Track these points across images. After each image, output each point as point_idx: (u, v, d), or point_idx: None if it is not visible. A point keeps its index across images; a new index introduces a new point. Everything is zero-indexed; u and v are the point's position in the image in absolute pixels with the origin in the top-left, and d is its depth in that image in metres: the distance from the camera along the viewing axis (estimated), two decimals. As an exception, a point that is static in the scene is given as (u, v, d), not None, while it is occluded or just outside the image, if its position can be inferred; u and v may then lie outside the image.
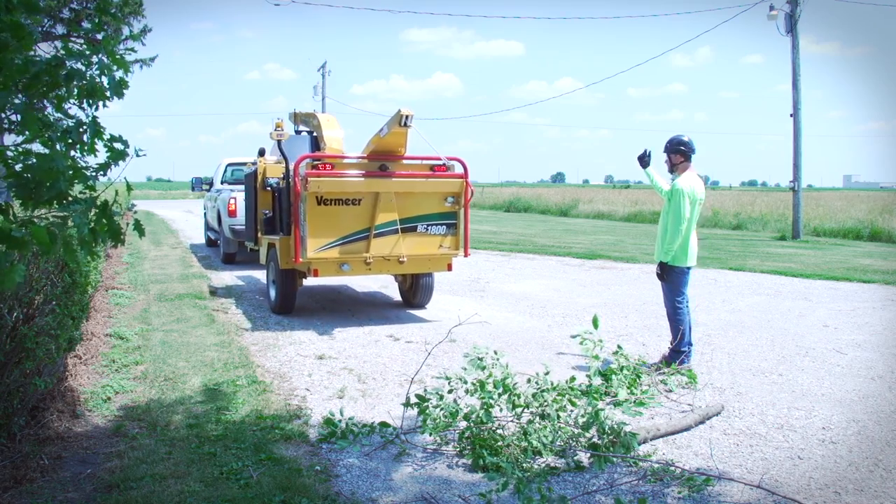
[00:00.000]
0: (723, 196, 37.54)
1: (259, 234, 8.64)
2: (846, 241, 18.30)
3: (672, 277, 5.59)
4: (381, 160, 7.21)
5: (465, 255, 7.60)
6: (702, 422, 4.35)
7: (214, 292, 9.31)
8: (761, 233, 20.78)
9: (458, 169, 7.54)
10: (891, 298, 9.01)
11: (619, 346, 4.81)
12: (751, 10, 20.59)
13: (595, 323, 4.36)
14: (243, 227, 10.80)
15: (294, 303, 7.85)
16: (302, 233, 6.90)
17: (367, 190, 7.05)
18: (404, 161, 7.37)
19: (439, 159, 7.46)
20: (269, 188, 8.41)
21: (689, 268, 5.60)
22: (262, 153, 8.95)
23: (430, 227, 7.36)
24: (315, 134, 8.80)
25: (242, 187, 12.04)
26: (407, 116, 6.57)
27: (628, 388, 4.48)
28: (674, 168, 5.68)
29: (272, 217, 8.16)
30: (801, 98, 18.12)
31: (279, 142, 7.75)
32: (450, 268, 7.64)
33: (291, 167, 7.23)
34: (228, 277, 10.93)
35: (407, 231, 7.24)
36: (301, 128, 9.37)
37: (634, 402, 4.35)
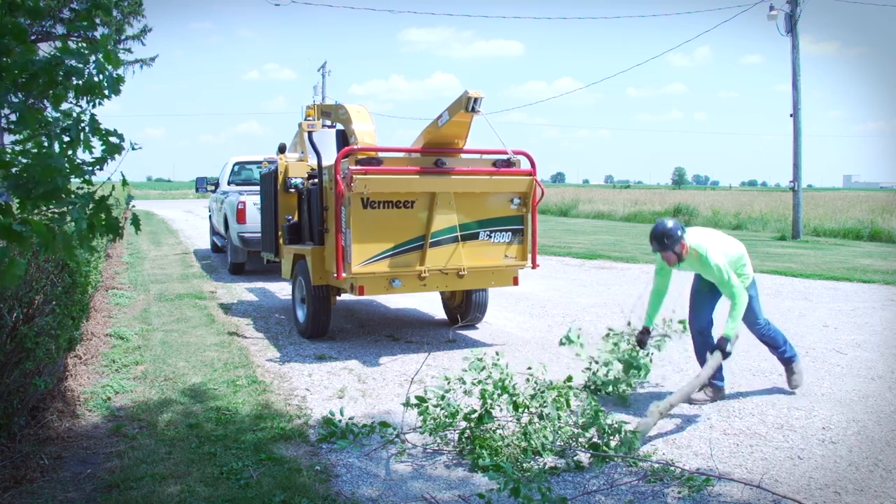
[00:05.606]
0: (723, 196, 37.53)
1: (280, 244, 7.69)
2: (846, 241, 18.30)
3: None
4: (436, 154, 6.13)
5: (534, 267, 6.50)
6: (707, 383, 4.53)
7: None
8: (761, 233, 20.78)
9: (525, 165, 6.43)
10: (891, 298, 9.00)
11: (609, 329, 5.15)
12: (751, 10, 20.60)
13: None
14: (255, 234, 9.94)
15: (329, 324, 6.70)
16: (344, 242, 5.81)
17: (421, 190, 5.96)
18: (462, 155, 6.32)
19: (504, 153, 6.30)
20: (292, 190, 7.57)
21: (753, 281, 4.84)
22: (282, 149, 8.05)
23: (493, 234, 6.25)
24: (340, 127, 7.75)
25: (251, 189, 11.36)
26: (475, 99, 5.55)
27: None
28: (681, 258, 4.63)
29: (297, 223, 7.35)
30: (801, 98, 18.13)
31: (311, 133, 6.84)
32: (516, 282, 6.53)
33: (327, 163, 6.34)
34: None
35: (467, 239, 6.15)
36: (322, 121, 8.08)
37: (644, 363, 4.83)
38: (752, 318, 4.84)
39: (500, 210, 6.29)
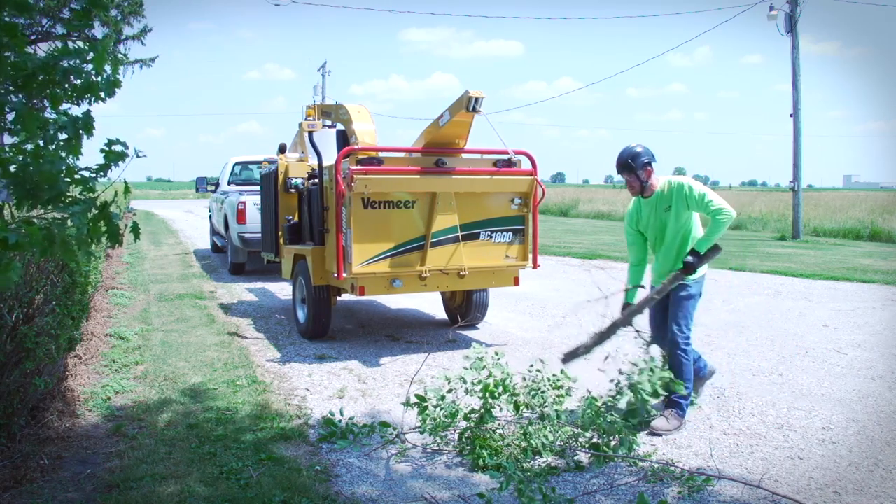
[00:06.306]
0: (722, 196, 37.47)
1: (281, 244, 7.69)
2: (846, 241, 18.30)
3: (698, 286, 4.33)
4: (437, 154, 6.13)
5: (534, 267, 6.50)
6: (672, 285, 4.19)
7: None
8: (761, 233, 20.78)
9: (526, 164, 6.42)
10: (891, 298, 9.00)
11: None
12: (751, 10, 20.62)
13: None
14: (255, 234, 9.97)
15: (329, 325, 6.68)
16: (345, 242, 5.82)
17: (422, 190, 5.96)
18: (463, 155, 6.32)
19: (505, 153, 6.30)
20: (292, 190, 7.59)
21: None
22: (282, 150, 8.08)
23: (494, 234, 6.26)
24: (341, 127, 7.70)
25: (251, 189, 11.39)
26: (476, 99, 5.58)
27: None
28: (644, 187, 4.40)
29: (298, 224, 7.37)
30: (801, 98, 18.13)
31: (311, 133, 6.86)
32: (517, 282, 6.53)
33: (328, 163, 6.35)
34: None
35: (468, 239, 6.15)
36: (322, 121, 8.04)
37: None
38: (678, 322, 4.25)
39: (501, 210, 6.28)
